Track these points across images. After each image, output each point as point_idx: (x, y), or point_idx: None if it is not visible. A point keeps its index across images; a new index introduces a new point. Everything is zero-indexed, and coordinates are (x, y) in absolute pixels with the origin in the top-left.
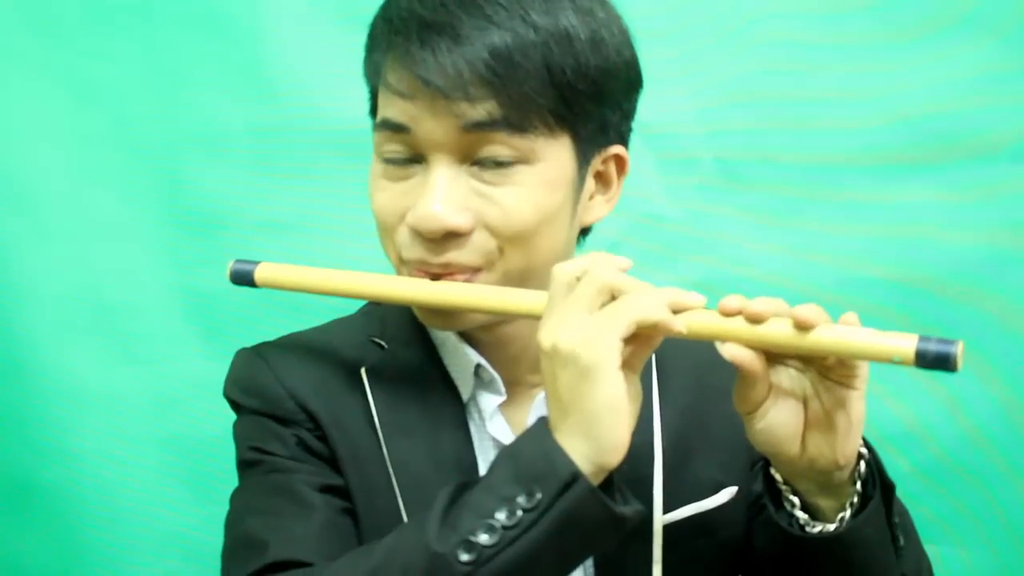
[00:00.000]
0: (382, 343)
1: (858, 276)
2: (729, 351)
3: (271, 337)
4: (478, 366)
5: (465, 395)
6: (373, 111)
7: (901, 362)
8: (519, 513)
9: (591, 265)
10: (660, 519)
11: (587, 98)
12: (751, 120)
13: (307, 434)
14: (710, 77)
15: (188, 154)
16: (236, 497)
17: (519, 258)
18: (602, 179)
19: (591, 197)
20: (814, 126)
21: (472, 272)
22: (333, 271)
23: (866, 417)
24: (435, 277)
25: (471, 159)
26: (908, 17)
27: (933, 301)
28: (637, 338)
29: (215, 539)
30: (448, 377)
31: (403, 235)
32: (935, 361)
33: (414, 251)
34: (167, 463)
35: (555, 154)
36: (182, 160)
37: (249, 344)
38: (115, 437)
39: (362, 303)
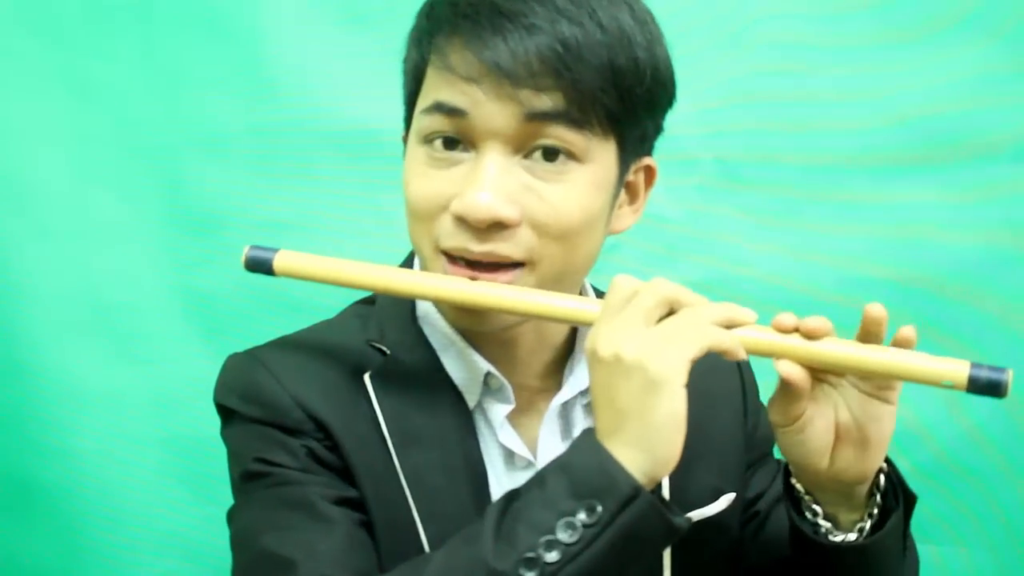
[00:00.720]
0: (383, 348)
1: (858, 276)
2: (784, 368)
3: (271, 337)
4: (488, 374)
5: (471, 402)
6: (411, 98)
7: (952, 386)
8: (580, 528)
9: (652, 281)
10: None
11: (640, 104)
12: (751, 120)
13: (316, 444)
14: (710, 77)
15: (188, 154)
16: (242, 512)
17: (559, 258)
18: (631, 189)
19: (620, 206)
20: (814, 126)
21: (511, 268)
22: (364, 264)
23: None
24: (474, 264)
25: (524, 150)
26: (908, 18)
27: (933, 301)
28: None
29: (215, 539)
30: (453, 384)
31: (445, 223)
32: (986, 387)
33: (455, 239)
34: (167, 463)
35: (603, 156)
36: (182, 160)
37: (250, 344)
38: (115, 437)
39: (349, 302)
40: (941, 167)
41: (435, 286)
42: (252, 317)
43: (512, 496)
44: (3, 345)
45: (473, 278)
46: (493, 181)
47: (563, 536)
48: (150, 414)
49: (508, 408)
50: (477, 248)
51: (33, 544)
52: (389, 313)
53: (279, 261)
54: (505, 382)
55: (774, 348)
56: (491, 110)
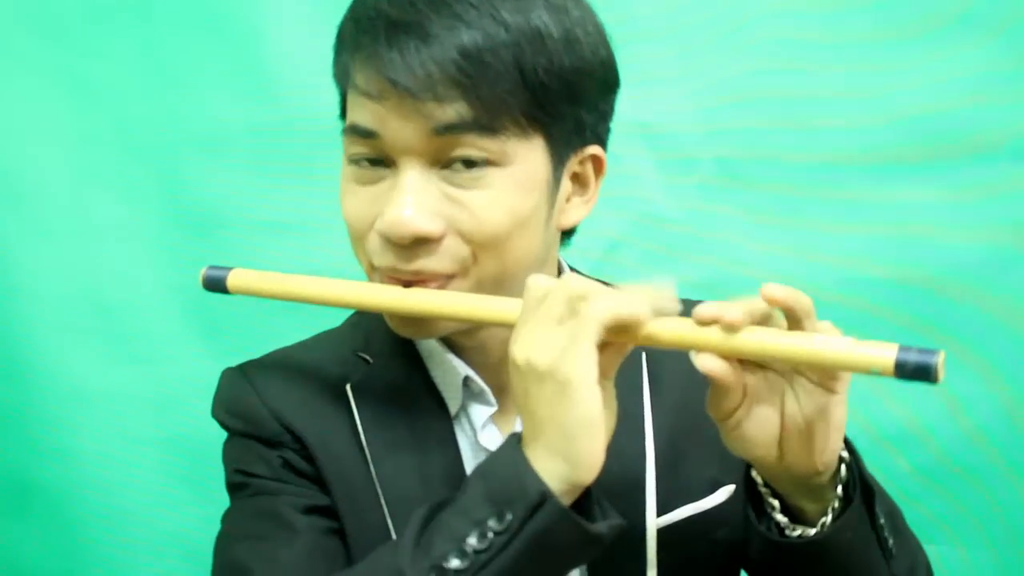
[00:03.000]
0: (367, 358)
1: (858, 276)
2: (702, 363)
3: (270, 337)
4: (467, 378)
5: (453, 408)
6: (343, 114)
7: (880, 373)
8: (490, 536)
9: (561, 279)
10: (654, 523)
11: (561, 98)
12: (751, 120)
13: (292, 455)
14: (710, 77)
15: (188, 154)
16: (225, 520)
17: (493, 264)
18: (579, 180)
19: (568, 199)
20: (814, 126)
21: (445, 279)
22: (307, 278)
23: (866, 417)
24: (407, 285)
25: (441, 163)
26: (908, 16)
27: (933, 301)
28: (609, 345)
29: (214, 539)
30: (435, 390)
31: (373, 242)
32: (915, 372)
33: (385, 258)
34: (167, 463)
35: (528, 156)
36: (182, 160)
37: (248, 343)
38: (115, 437)
39: (348, 313)
40: (942, 166)
41: (369, 295)
42: (252, 317)
43: (438, 504)
44: (3, 345)
45: (407, 285)
46: (412, 197)
47: (473, 543)
48: (150, 414)
49: (491, 410)
50: (405, 267)
51: (33, 544)
52: (377, 322)
53: (233, 279)
54: (484, 385)
55: (692, 340)
56: (399, 128)
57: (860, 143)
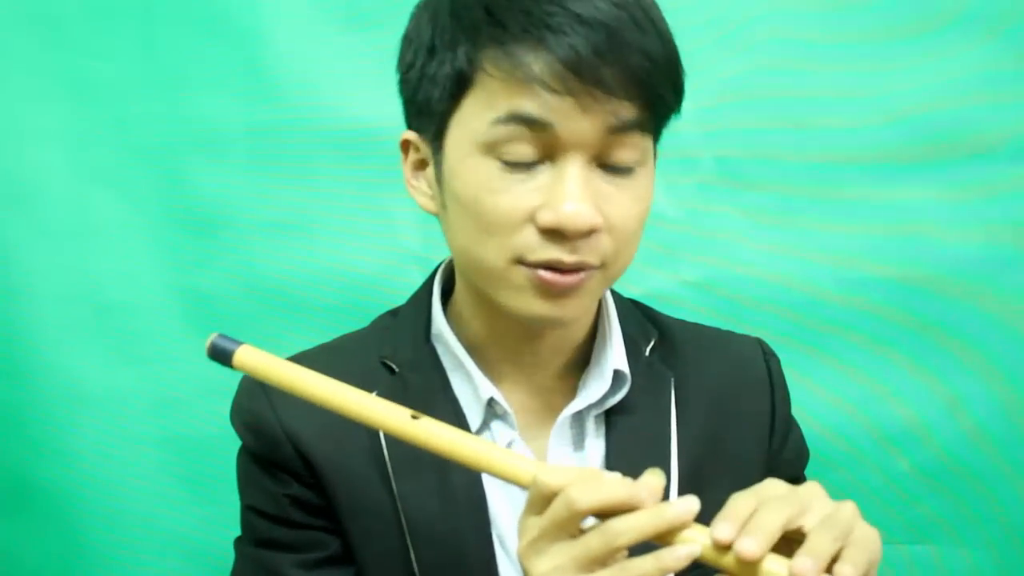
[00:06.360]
0: (393, 366)
1: (858, 276)
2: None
3: (271, 337)
4: (491, 399)
5: (474, 426)
6: (444, 105)
7: None
8: None
9: (571, 484)
10: None
11: (676, 109)
12: (751, 120)
13: (301, 489)
14: (709, 75)
15: (188, 154)
16: (235, 558)
17: (623, 260)
18: None
19: None
20: (814, 125)
21: (594, 271)
22: (315, 376)
23: (867, 417)
24: (566, 273)
25: (600, 159)
26: (908, 16)
27: (933, 301)
28: None
29: (215, 539)
30: (458, 407)
31: (529, 236)
32: None
33: (546, 252)
34: (167, 463)
35: (651, 158)
36: (182, 160)
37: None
38: (115, 437)
39: (377, 314)
40: (941, 165)
41: (378, 414)
42: (252, 317)
43: None
44: (3, 345)
45: (566, 273)
46: (581, 191)
47: None
48: (150, 414)
49: (513, 434)
50: (570, 258)
51: (33, 544)
52: (405, 329)
53: (240, 357)
54: (508, 408)
55: (713, 560)
56: (579, 123)
57: (860, 143)
